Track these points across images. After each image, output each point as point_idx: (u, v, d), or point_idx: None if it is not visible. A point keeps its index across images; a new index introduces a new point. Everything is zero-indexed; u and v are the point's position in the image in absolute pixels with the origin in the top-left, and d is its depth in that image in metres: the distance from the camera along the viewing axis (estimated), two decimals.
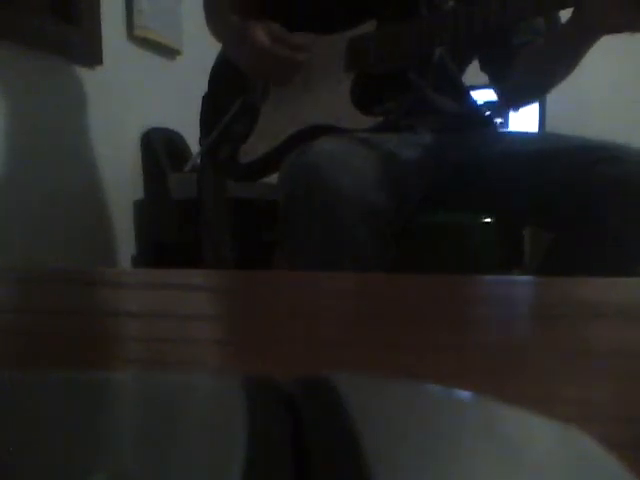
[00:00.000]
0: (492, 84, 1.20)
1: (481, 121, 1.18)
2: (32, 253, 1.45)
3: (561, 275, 0.43)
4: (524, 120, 2.68)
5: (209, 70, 1.26)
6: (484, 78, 1.23)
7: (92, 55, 1.69)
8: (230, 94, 1.17)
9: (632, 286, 0.42)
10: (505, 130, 1.33)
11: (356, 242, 0.89)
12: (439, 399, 0.11)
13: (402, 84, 1.08)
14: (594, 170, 0.92)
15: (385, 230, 0.93)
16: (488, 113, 1.26)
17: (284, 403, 0.10)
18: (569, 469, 0.09)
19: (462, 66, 1.19)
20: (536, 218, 1.07)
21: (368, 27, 1.07)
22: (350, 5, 1.09)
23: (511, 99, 1.21)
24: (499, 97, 1.21)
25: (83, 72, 1.67)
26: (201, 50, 1.83)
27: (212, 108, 1.22)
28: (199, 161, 1.27)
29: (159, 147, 1.91)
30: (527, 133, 1.29)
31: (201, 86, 1.26)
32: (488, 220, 1.06)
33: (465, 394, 0.11)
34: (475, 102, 1.22)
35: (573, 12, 0.94)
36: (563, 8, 0.94)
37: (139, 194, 1.89)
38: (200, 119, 1.24)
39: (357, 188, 0.88)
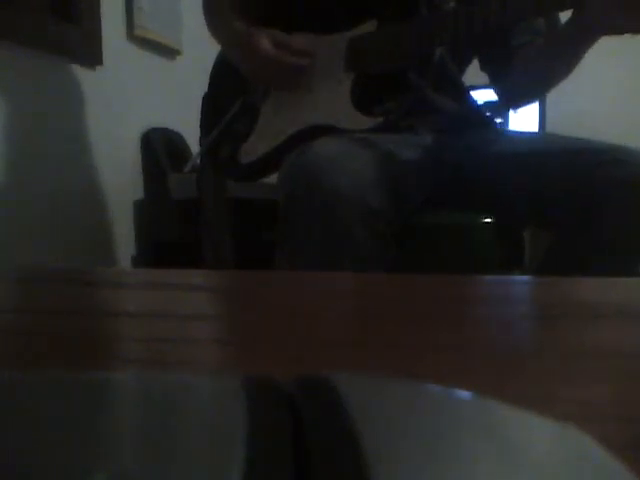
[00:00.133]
0: (492, 84, 1.20)
1: (481, 121, 1.18)
2: (32, 253, 1.45)
3: (561, 275, 0.43)
4: (524, 121, 2.68)
5: (209, 70, 1.26)
6: (484, 78, 1.23)
7: (92, 55, 1.69)
8: (230, 94, 1.17)
9: (632, 286, 0.42)
10: (505, 130, 1.33)
11: (355, 242, 0.89)
12: (439, 399, 0.11)
13: (402, 84, 1.08)
14: (596, 172, 0.91)
15: (385, 230, 0.93)
16: (488, 113, 1.26)
17: (284, 403, 0.10)
18: (569, 469, 0.09)
19: (462, 66, 1.19)
20: (536, 219, 1.07)
21: (368, 27, 1.07)
22: (350, 5, 1.09)
23: (511, 99, 1.21)
24: (499, 97, 1.21)
25: (83, 72, 1.67)
26: (201, 50, 1.83)
27: (212, 108, 1.22)
28: (199, 161, 1.27)
29: (159, 147, 1.91)
30: (528, 133, 1.29)
31: (201, 86, 1.26)
32: (488, 220, 1.06)
33: (465, 394, 0.11)
34: (475, 102, 1.22)
35: (573, 12, 0.94)
36: (563, 9, 0.94)
37: (139, 194, 1.89)
38: (200, 119, 1.24)
39: (356, 189, 0.88)
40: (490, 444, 0.10)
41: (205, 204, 1.29)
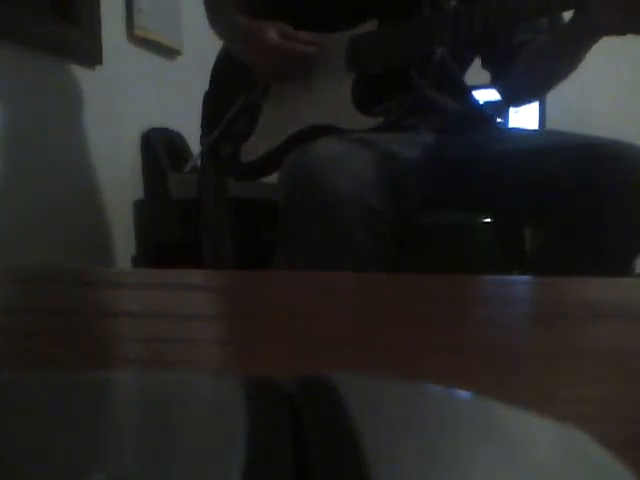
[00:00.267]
0: (493, 82, 1.20)
1: (482, 120, 1.18)
2: (32, 253, 1.45)
3: (559, 275, 0.43)
4: (524, 119, 2.68)
5: (209, 70, 1.26)
6: (484, 78, 1.23)
7: (92, 55, 1.69)
8: (231, 93, 1.17)
9: (632, 286, 0.42)
10: (506, 128, 1.33)
11: (355, 242, 0.89)
12: (439, 399, 0.11)
13: (403, 84, 1.08)
14: (596, 167, 0.91)
15: (384, 230, 0.93)
16: (489, 112, 1.26)
17: (284, 403, 0.10)
18: (569, 469, 0.09)
19: (464, 65, 1.19)
20: (536, 218, 1.07)
21: (369, 26, 1.07)
22: (351, 4, 1.09)
23: (512, 97, 1.21)
24: (500, 95, 1.21)
25: (83, 72, 1.67)
26: (201, 50, 1.83)
27: (214, 106, 1.22)
28: (200, 161, 1.27)
29: (159, 147, 1.91)
30: (528, 130, 1.28)
31: (201, 86, 1.26)
32: (488, 220, 1.06)
33: (465, 394, 0.11)
34: (477, 101, 1.22)
35: (574, 12, 0.94)
36: (565, 10, 0.94)
37: (139, 194, 1.89)
38: (201, 117, 1.24)
39: (356, 189, 0.88)
40: (490, 444, 0.10)
41: (205, 204, 1.29)
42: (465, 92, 1.16)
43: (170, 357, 0.26)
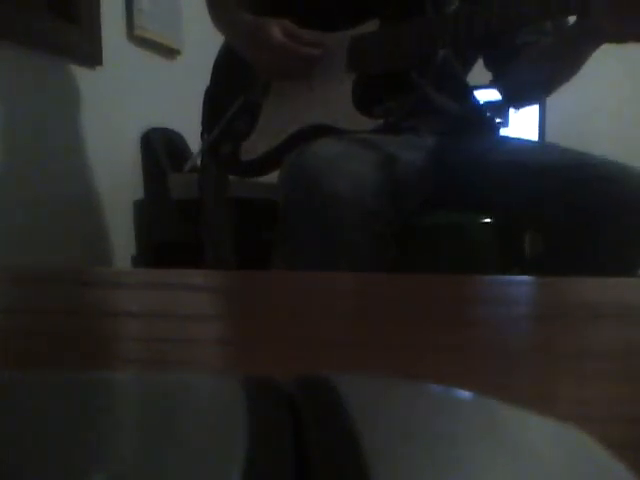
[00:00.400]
0: (495, 81, 1.20)
1: (483, 123, 1.18)
2: (32, 253, 1.45)
3: (559, 276, 0.43)
4: (524, 122, 2.68)
5: (209, 70, 1.26)
6: (485, 78, 1.23)
7: (92, 55, 1.69)
8: (232, 91, 1.17)
9: (632, 286, 0.42)
10: (507, 136, 1.33)
11: (354, 243, 0.89)
12: (439, 399, 0.11)
13: (404, 85, 1.08)
14: (593, 188, 0.92)
15: (384, 231, 0.93)
16: (489, 114, 1.26)
17: (284, 403, 0.10)
18: (569, 469, 0.09)
19: (467, 65, 1.19)
20: (534, 224, 1.07)
21: (370, 26, 1.07)
22: (352, 4, 1.09)
23: (512, 97, 1.21)
24: (501, 95, 1.21)
25: (83, 72, 1.67)
26: (201, 50, 1.83)
27: (214, 104, 1.22)
28: (200, 160, 1.27)
29: (159, 147, 1.91)
30: (529, 141, 1.28)
31: (201, 86, 1.26)
32: (488, 220, 1.06)
33: (465, 394, 0.11)
34: (478, 103, 1.22)
35: (577, 18, 0.94)
36: (567, 15, 0.94)
37: (139, 194, 1.89)
38: (202, 115, 1.24)
39: (355, 190, 0.88)
40: (490, 444, 0.10)
41: (206, 203, 1.29)
42: (467, 92, 1.16)
43: (170, 357, 0.26)
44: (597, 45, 0.94)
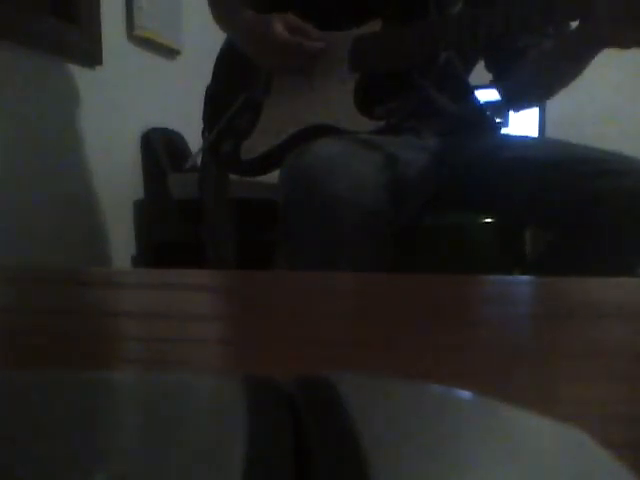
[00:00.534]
0: (496, 83, 1.20)
1: (484, 123, 1.18)
2: (32, 253, 1.45)
3: (560, 275, 0.43)
4: (524, 121, 2.68)
5: (209, 70, 1.26)
6: (485, 78, 1.23)
7: (92, 55, 1.69)
8: (233, 88, 1.17)
9: (632, 286, 0.42)
10: (508, 134, 1.33)
11: (354, 243, 0.89)
12: (439, 399, 0.11)
13: (405, 85, 1.08)
14: (596, 183, 0.92)
15: (384, 232, 0.93)
16: (489, 114, 1.26)
17: (284, 403, 0.10)
18: (569, 469, 0.09)
19: (469, 66, 1.19)
20: (536, 222, 1.08)
21: (373, 26, 1.07)
22: (355, 4, 1.09)
23: (513, 98, 1.21)
24: (501, 96, 1.21)
25: (83, 72, 1.67)
26: (201, 50, 1.83)
27: (215, 102, 1.22)
28: (200, 158, 1.27)
29: (159, 147, 1.91)
30: (530, 138, 1.29)
31: (201, 86, 1.26)
32: (488, 220, 1.06)
33: (465, 394, 0.11)
34: (479, 103, 1.22)
35: (580, 22, 0.94)
36: (570, 20, 0.94)
37: (139, 194, 1.89)
38: (203, 112, 1.24)
39: (355, 190, 0.88)
40: (490, 444, 0.10)
41: (206, 203, 1.29)
42: (468, 93, 1.16)
43: (170, 357, 0.26)
44: (599, 50, 0.95)
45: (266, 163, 1.11)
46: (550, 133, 2.75)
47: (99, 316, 0.33)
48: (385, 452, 0.09)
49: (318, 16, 1.07)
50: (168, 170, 1.82)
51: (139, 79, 1.93)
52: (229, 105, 1.15)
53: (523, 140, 1.16)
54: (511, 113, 2.41)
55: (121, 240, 1.84)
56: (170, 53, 2.14)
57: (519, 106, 1.25)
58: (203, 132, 1.23)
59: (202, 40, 1.90)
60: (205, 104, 1.24)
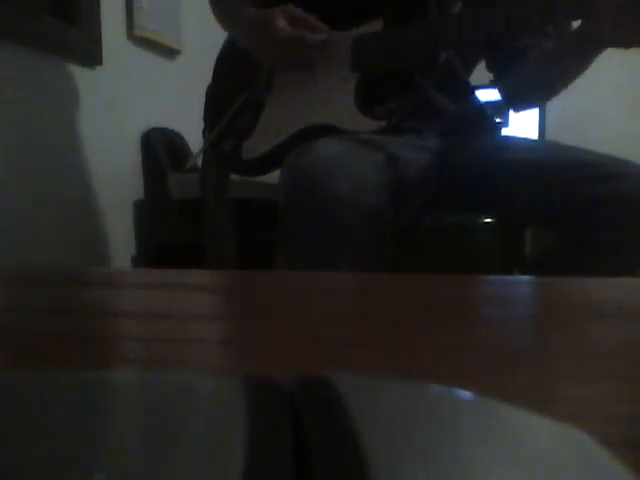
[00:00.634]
0: (496, 82, 1.20)
1: (485, 124, 1.18)
2: (32, 253, 1.45)
3: (560, 275, 0.43)
4: (524, 121, 2.68)
5: (209, 70, 1.26)
6: (485, 78, 1.23)
7: (92, 55, 1.69)
8: (234, 87, 1.17)
9: (632, 286, 0.42)
10: (510, 136, 1.33)
11: (354, 243, 0.89)
12: (439, 399, 0.11)
13: (406, 85, 1.08)
14: (595, 187, 0.92)
15: (384, 232, 0.93)
16: (490, 114, 1.26)
17: (284, 403, 0.10)
18: (569, 469, 0.09)
19: (469, 66, 1.19)
20: (536, 222, 1.08)
21: (374, 26, 1.07)
22: (356, 4, 1.09)
23: (514, 99, 1.21)
24: (501, 95, 1.21)
25: (83, 72, 1.67)
26: (201, 50, 1.83)
27: (216, 101, 1.22)
28: (200, 158, 1.27)
29: (159, 147, 1.91)
30: (531, 140, 1.29)
31: (201, 86, 1.26)
32: (488, 220, 1.06)
33: (465, 394, 0.11)
34: (480, 103, 1.22)
35: (581, 22, 0.94)
36: (571, 19, 0.94)
37: (139, 194, 1.89)
38: (204, 112, 1.24)
39: (355, 190, 0.88)
40: (490, 444, 0.10)
41: (207, 203, 1.29)
42: (469, 93, 1.16)
43: (170, 357, 0.26)
44: (600, 50, 0.94)
45: (267, 163, 1.11)
46: (550, 134, 2.75)
47: (99, 316, 0.33)
48: (385, 452, 0.09)
49: (318, 16, 1.07)
50: (168, 170, 1.82)
51: (139, 79, 1.93)
52: (230, 105, 1.15)
53: (523, 142, 1.16)
54: (511, 114, 2.42)
55: (121, 240, 1.84)
56: (170, 53, 2.14)
57: (519, 106, 1.25)
58: (204, 132, 1.23)
59: (202, 40, 1.90)
60: (205, 104, 1.24)
